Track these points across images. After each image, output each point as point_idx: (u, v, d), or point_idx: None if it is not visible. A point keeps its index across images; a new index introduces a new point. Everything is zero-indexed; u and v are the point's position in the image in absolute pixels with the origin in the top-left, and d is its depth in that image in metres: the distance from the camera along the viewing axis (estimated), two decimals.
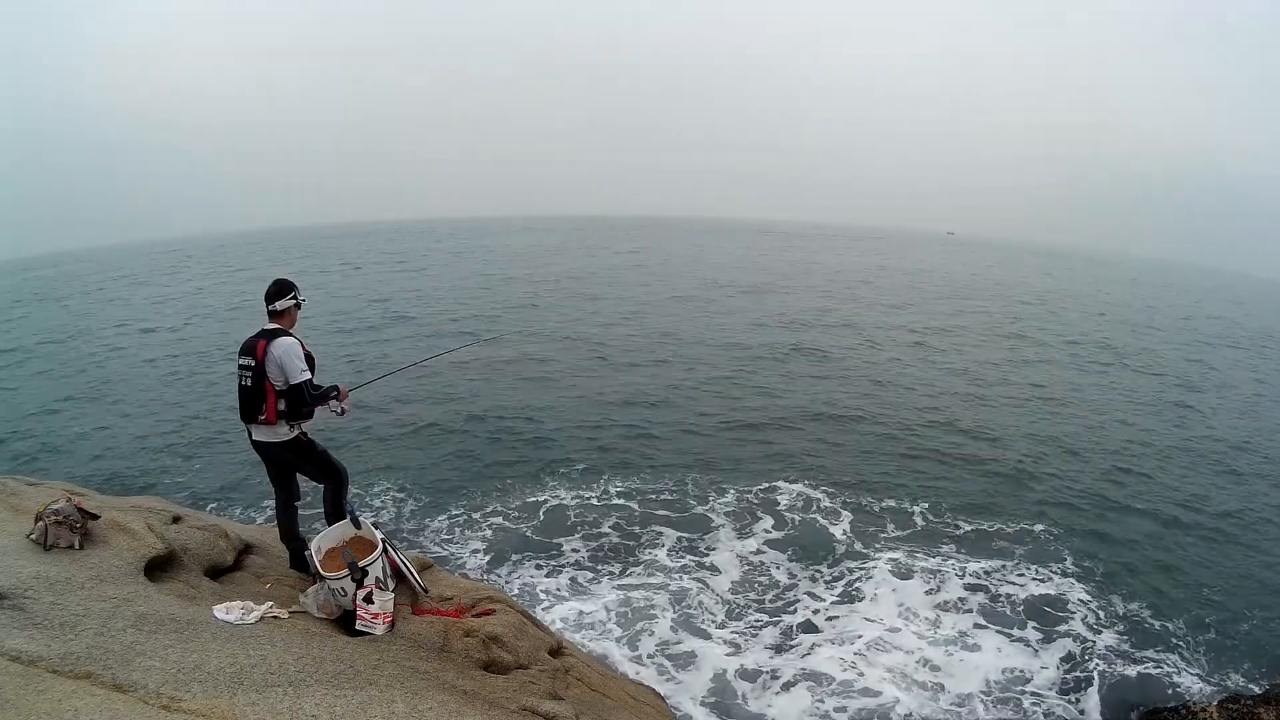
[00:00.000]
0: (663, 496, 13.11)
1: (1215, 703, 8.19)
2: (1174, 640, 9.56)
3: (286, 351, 4.18)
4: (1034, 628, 9.72)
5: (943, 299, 42.91)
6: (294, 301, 4.42)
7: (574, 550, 11.11)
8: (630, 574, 10.58)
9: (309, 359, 4.34)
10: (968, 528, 12.63)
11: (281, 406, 4.27)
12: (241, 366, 4.28)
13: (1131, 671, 8.93)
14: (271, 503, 4.99)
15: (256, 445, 4.50)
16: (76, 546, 3.79)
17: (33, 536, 3.73)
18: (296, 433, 4.45)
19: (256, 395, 4.23)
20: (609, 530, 11.80)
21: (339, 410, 4.49)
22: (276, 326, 4.34)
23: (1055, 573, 11.14)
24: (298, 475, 4.72)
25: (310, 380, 4.28)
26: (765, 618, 9.72)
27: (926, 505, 13.14)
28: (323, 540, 4.50)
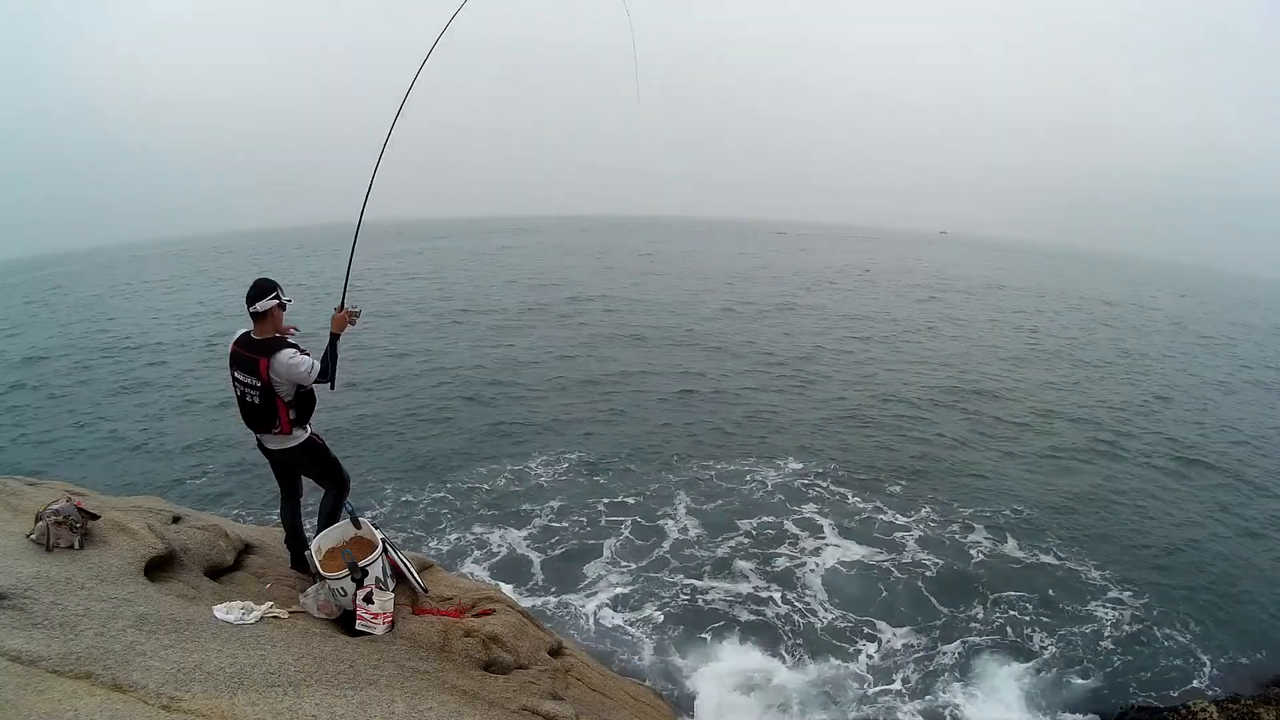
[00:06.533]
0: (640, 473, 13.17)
1: (1215, 702, 8.19)
2: (1172, 638, 9.56)
3: (289, 367, 4.05)
4: (1028, 620, 9.73)
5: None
6: (276, 301, 4.17)
7: (564, 536, 11.13)
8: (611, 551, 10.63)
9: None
10: (966, 511, 12.74)
11: (293, 415, 4.23)
12: (242, 383, 4.13)
13: (1129, 669, 8.93)
14: (272, 503, 4.97)
15: (267, 451, 4.44)
16: (76, 546, 3.78)
17: (33, 536, 3.72)
18: (309, 434, 4.42)
19: (267, 411, 4.15)
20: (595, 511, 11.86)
21: (354, 324, 4.43)
22: (268, 336, 4.17)
23: (1050, 565, 11.16)
24: (302, 476, 4.70)
25: (320, 372, 4.15)
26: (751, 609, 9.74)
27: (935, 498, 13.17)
28: (323, 540, 4.49)
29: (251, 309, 4.15)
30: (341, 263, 4.77)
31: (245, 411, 4.24)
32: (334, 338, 4.33)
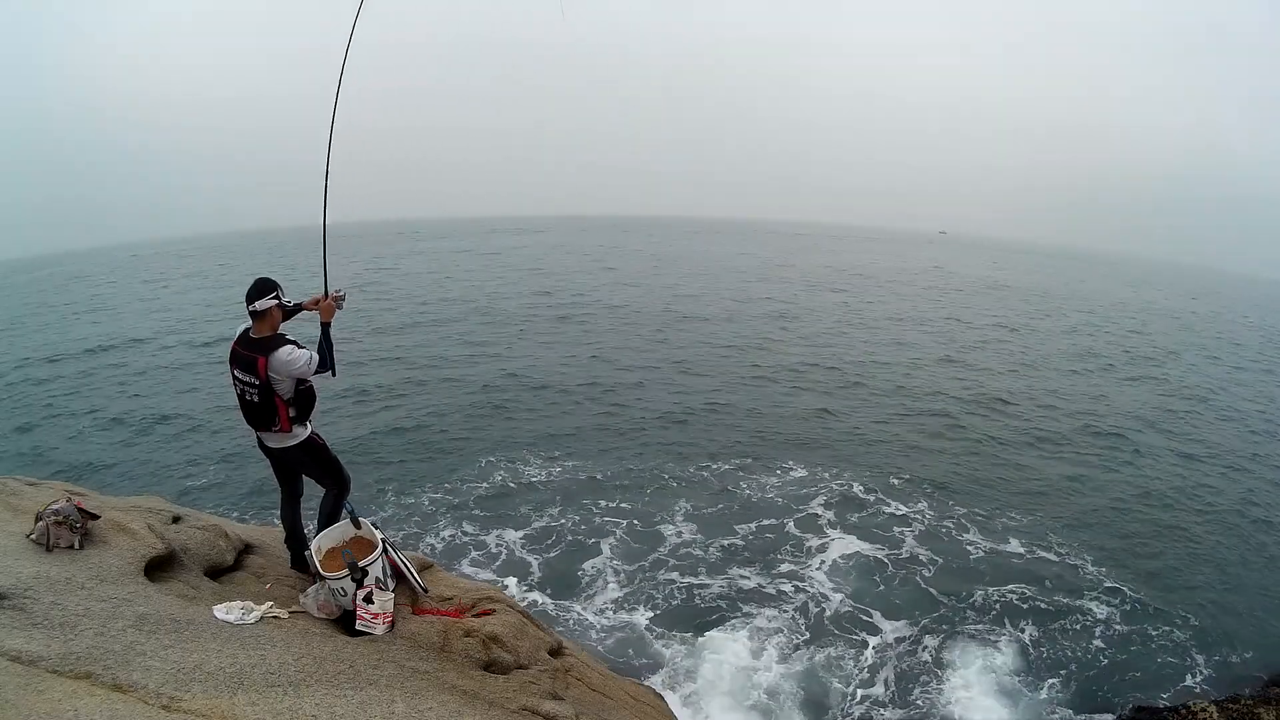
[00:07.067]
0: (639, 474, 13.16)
1: (1215, 702, 8.19)
2: (1173, 638, 9.57)
3: (288, 363, 4.06)
4: (1028, 618, 9.74)
5: None
6: (276, 301, 4.18)
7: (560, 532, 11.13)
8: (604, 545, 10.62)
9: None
10: (963, 509, 12.76)
11: (292, 414, 4.22)
12: (242, 382, 4.14)
13: (1129, 669, 8.94)
14: (272, 503, 4.96)
15: (268, 450, 4.45)
16: (76, 546, 3.77)
17: (33, 536, 3.72)
18: (309, 433, 4.43)
19: (266, 409, 4.15)
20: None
21: (341, 307, 4.49)
22: (266, 335, 4.16)
23: (1050, 564, 11.16)
24: (303, 475, 4.70)
25: (319, 362, 4.18)
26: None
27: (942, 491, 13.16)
28: (323, 540, 4.48)
29: (251, 307, 4.16)
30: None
31: (246, 410, 4.25)
32: (325, 326, 4.36)
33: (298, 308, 4.51)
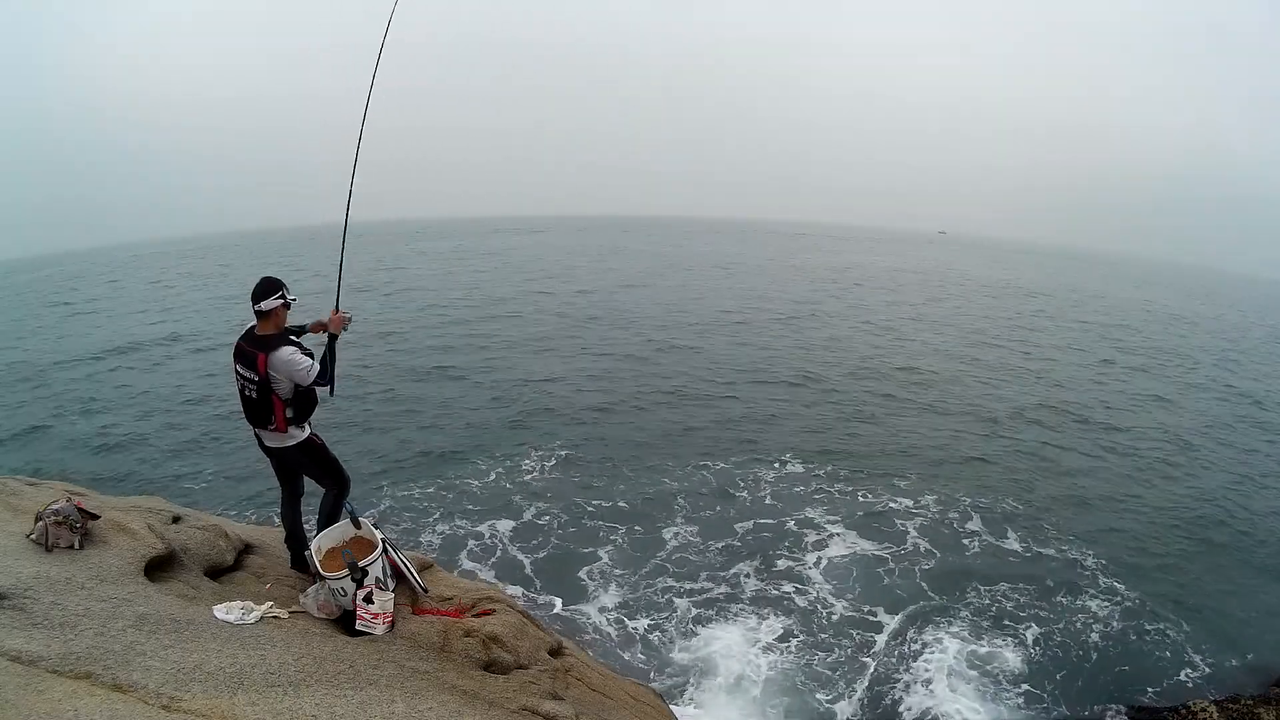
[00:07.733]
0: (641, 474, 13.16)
1: (1215, 702, 8.19)
2: (1173, 637, 9.56)
3: (288, 364, 4.08)
4: (1028, 619, 9.73)
5: None
6: (281, 301, 4.19)
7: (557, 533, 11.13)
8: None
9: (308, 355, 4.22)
10: (967, 501, 12.75)
11: (289, 414, 4.23)
12: (243, 377, 4.17)
13: (1129, 668, 8.93)
14: (272, 503, 4.96)
15: (267, 449, 4.46)
16: (76, 546, 3.77)
17: (33, 536, 3.72)
18: (308, 434, 4.43)
19: (264, 406, 4.17)
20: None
21: (346, 330, 4.48)
22: (270, 333, 4.18)
23: (1050, 562, 11.16)
24: (303, 475, 4.70)
25: (319, 373, 4.17)
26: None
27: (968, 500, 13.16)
28: (323, 540, 4.48)
29: (256, 306, 4.18)
30: (346, 260, 4.79)
31: (245, 406, 4.27)
32: (333, 339, 4.37)
33: (302, 329, 4.47)
